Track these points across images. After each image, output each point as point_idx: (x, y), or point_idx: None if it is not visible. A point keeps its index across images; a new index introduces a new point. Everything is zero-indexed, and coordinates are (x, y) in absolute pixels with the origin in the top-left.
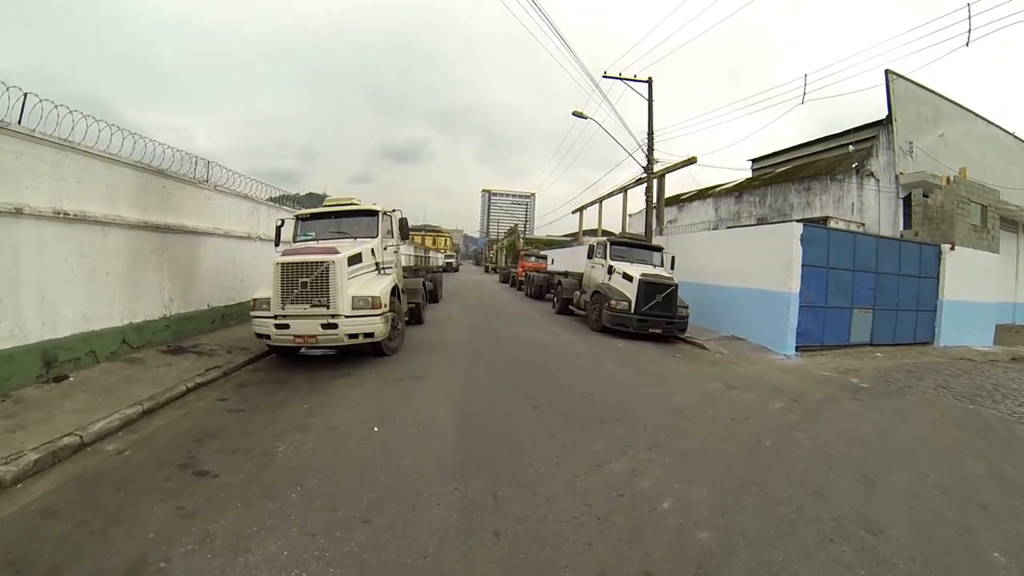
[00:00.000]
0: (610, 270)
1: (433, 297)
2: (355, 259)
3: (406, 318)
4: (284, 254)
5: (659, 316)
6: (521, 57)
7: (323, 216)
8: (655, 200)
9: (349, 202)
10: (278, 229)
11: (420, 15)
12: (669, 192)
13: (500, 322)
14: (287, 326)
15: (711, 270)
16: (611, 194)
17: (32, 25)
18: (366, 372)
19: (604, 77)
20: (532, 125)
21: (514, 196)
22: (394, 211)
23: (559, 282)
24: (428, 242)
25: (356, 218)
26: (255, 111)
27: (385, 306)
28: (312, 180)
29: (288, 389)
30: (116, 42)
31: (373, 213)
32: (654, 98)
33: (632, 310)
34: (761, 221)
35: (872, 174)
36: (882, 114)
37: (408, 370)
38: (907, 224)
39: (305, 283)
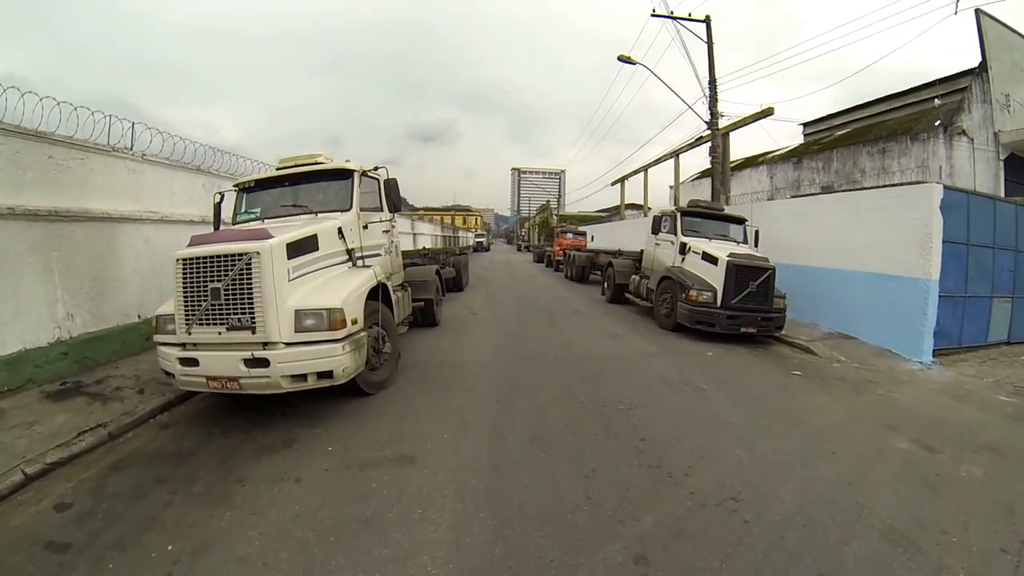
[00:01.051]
0: (683, 248)
1: (456, 284)
2: (302, 246)
3: (408, 323)
4: (190, 243)
5: (753, 311)
6: (544, 35)
7: (273, 183)
8: (720, 162)
9: (311, 161)
10: (216, 207)
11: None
12: (703, 163)
13: (540, 320)
14: (195, 361)
15: (802, 247)
16: (660, 159)
17: (51, 30)
18: (320, 438)
19: (653, 16)
20: (558, 104)
21: (544, 173)
22: (377, 170)
23: (610, 263)
24: (458, 221)
25: (321, 183)
26: (279, 101)
27: (355, 322)
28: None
29: (175, 483)
30: (137, 41)
31: (345, 174)
32: (714, 40)
33: (719, 303)
34: (826, 189)
35: (964, 132)
36: (951, 68)
37: (392, 432)
38: (1009, 189)
39: (217, 290)
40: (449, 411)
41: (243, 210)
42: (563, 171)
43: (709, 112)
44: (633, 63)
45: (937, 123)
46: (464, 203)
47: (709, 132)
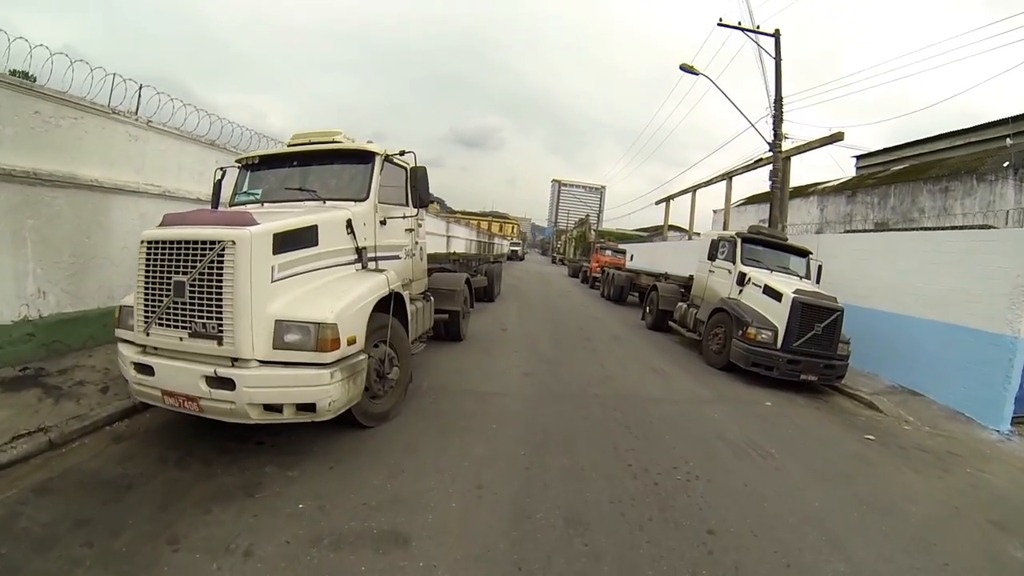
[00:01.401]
0: (742, 279)
1: (488, 294)
2: (297, 238)
3: (427, 337)
4: (162, 222)
5: (816, 356)
6: (593, 45)
7: (281, 162)
8: (780, 187)
9: (327, 139)
10: (216, 185)
11: (489, 2)
12: (746, 191)
13: (576, 344)
14: (151, 369)
15: (863, 287)
16: (711, 181)
17: (113, 10)
18: (292, 487)
19: (719, 25)
20: (604, 119)
21: (584, 188)
22: (404, 155)
23: (653, 287)
24: (494, 228)
25: (335, 165)
26: (326, 94)
27: (352, 342)
28: None
29: (97, 530)
30: (186, 21)
31: (365, 157)
32: (783, 57)
33: (779, 344)
34: (879, 226)
35: None
36: None
37: (386, 490)
38: None
39: (181, 285)
40: (463, 465)
41: (244, 190)
42: (604, 187)
43: (773, 133)
44: (696, 73)
45: (1006, 164)
46: (502, 211)
47: (770, 155)
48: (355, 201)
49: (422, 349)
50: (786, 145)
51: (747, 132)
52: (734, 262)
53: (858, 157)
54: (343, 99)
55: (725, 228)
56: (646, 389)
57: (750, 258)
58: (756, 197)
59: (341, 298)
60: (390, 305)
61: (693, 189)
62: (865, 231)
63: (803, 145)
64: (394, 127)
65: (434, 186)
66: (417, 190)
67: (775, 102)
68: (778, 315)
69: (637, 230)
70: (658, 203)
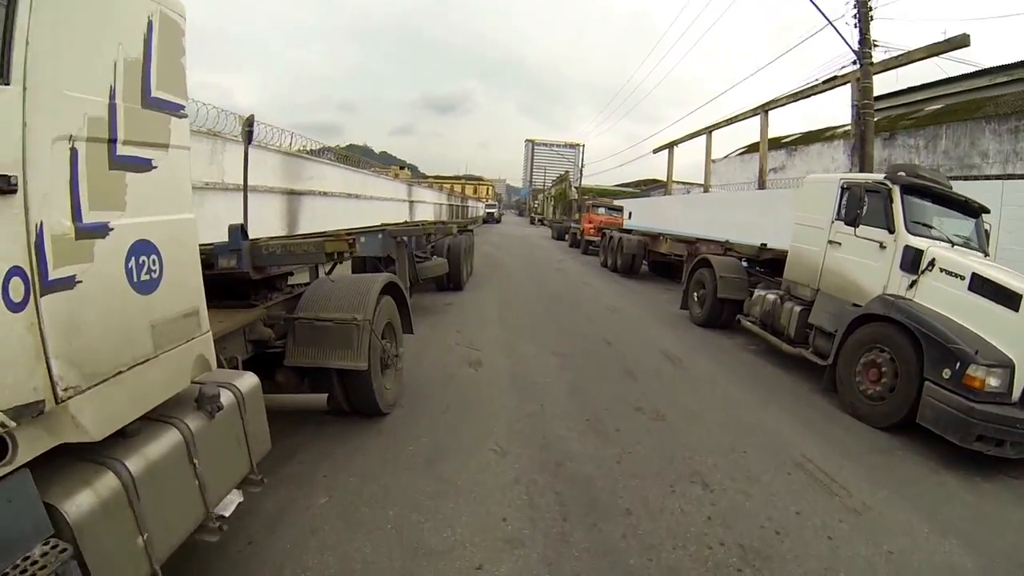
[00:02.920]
0: (915, 261)
1: (453, 281)
2: None
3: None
4: None
5: None
6: (565, 9)
7: None
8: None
9: None
10: None
11: None
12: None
13: (611, 381)
14: None
15: None
16: (736, 118)
17: None
18: None
19: None
20: (577, 78)
21: (560, 146)
22: None
23: (704, 262)
24: (468, 191)
25: None
26: (294, 66)
27: None
28: (352, 132)
29: None
30: None
31: None
32: None
33: (1018, 394)
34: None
35: None
36: None
37: None
38: None
39: None
40: None
41: None
42: (580, 144)
43: (860, 38)
44: None
45: None
46: (477, 174)
47: (849, 70)
48: None
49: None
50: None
51: (736, 90)
52: (890, 229)
53: (876, 99)
54: (311, 69)
55: (763, 176)
56: (807, 538)
57: (917, 221)
58: (754, 146)
59: None
60: None
61: (709, 130)
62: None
63: (903, 56)
64: (365, 95)
65: (406, 153)
66: None
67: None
68: (1013, 336)
69: (618, 186)
70: (657, 151)
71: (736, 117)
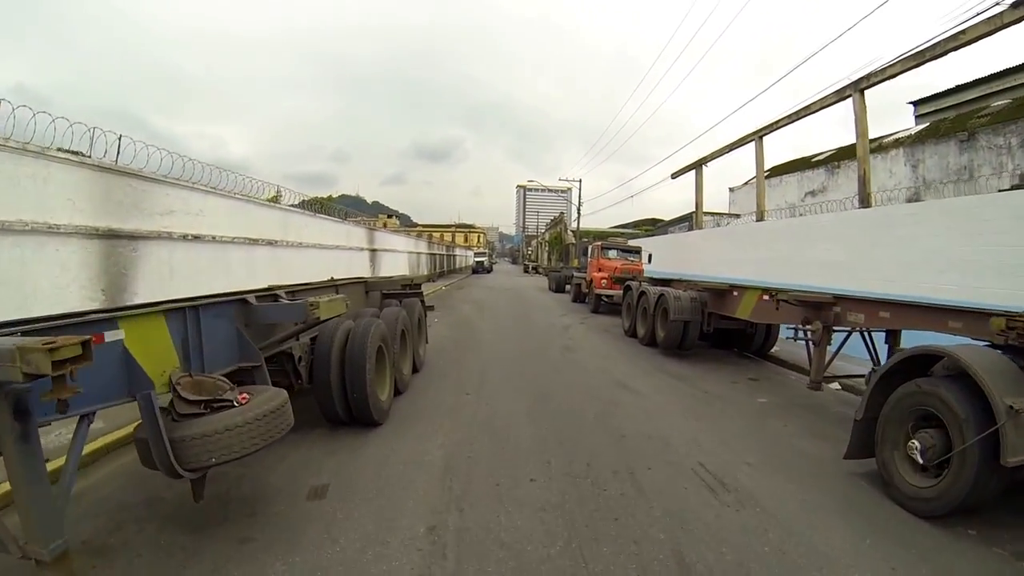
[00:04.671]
0: None
1: (357, 410)
2: None
3: None
4: None
5: None
6: (551, 52)
7: None
8: None
9: None
10: None
11: (445, 12)
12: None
13: None
14: None
15: None
16: (793, 116)
17: (66, 45)
18: None
19: None
20: (564, 123)
21: (551, 191)
22: None
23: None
24: (460, 239)
25: None
26: (285, 116)
27: None
28: (346, 183)
29: None
30: (141, 55)
31: None
32: None
33: None
34: None
35: None
36: None
37: None
38: None
39: None
40: None
41: None
42: (579, 180)
43: None
44: None
45: None
46: (469, 222)
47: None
48: None
49: None
50: None
51: (728, 121)
52: None
53: (916, 103)
54: (303, 118)
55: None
56: None
57: None
58: (779, 168)
59: None
60: None
61: (760, 134)
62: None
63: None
64: (356, 144)
65: (398, 203)
66: None
67: None
68: None
69: (614, 227)
70: (676, 175)
71: (780, 121)
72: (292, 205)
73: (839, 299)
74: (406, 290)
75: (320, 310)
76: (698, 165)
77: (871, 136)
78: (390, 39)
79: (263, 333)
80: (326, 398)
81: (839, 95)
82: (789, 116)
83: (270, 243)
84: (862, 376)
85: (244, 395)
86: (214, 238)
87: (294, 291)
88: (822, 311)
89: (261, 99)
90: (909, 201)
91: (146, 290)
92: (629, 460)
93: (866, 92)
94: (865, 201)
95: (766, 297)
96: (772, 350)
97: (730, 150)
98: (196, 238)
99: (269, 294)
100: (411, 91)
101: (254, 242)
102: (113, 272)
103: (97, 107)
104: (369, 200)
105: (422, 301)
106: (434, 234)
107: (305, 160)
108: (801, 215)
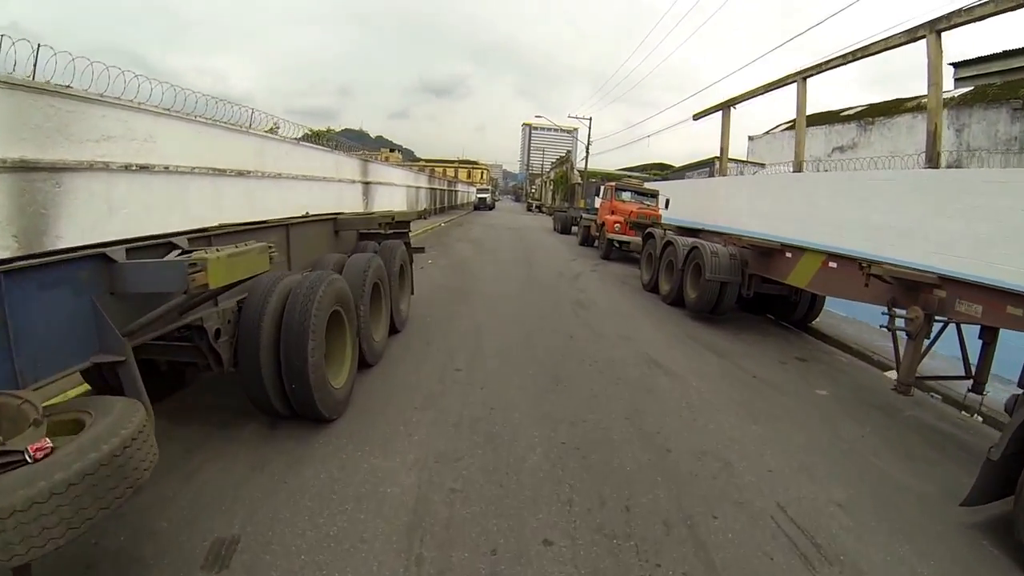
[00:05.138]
0: None
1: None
2: None
3: None
4: None
5: None
6: None
7: None
8: None
9: None
10: None
11: None
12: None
13: None
14: None
15: None
16: (853, 55)
17: None
18: None
19: None
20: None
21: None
22: None
23: None
24: (462, 175)
25: None
26: (290, 50)
27: None
28: (350, 117)
29: None
30: None
31: None
32: None
33: None
34: None
35: None
36: None
37: None
38: None
39: None
40: None
41: None
42: (590, 118)
43: None
44: None
45: None
46: (472, 158)
47: None
48: None
49: None
50: None
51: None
52: None
53: (956, 65)
54: (308, 54)
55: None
56: None
57: None
58: (830, 115)
59: None
60: None
61: (804, 75)
62: None
63: None
64: (362, 79)
65: (402, 137)
66: None
67: None
68: None
69: (621, 170)
70: (699, 116)
71: (832, 61)
72: (288, 138)
73: (945, 281)
74: (386, 230)
75: (209, 273)
76: (726, 106)
77: (909, 94)
78: None
79: (145, 304)
80: (256, 388)
81: (910, 35)
82: (844, 56)
83: (240, 174)
84: (956, 379)
85: (44, 441)
86: (167, 168)
87: (222, 235)
88: (921, 294)
89: (263, 32)
90: (950, 167)
91: (75, 232)
92: (683, 499)
93: (943, 35)
94: (934, 161)
95: (832, 264)
96: (813, 322)
97: (766, 91)
98: (143, 168)
99: (164, 243)
100: (419, 27)
101: (220, 172)
102: (30, 212)
103: (93, 41)
104: (373, 135)
105: (407, 243)
106: (436, 169)
107: (308, 96)
108: (853, 169)
